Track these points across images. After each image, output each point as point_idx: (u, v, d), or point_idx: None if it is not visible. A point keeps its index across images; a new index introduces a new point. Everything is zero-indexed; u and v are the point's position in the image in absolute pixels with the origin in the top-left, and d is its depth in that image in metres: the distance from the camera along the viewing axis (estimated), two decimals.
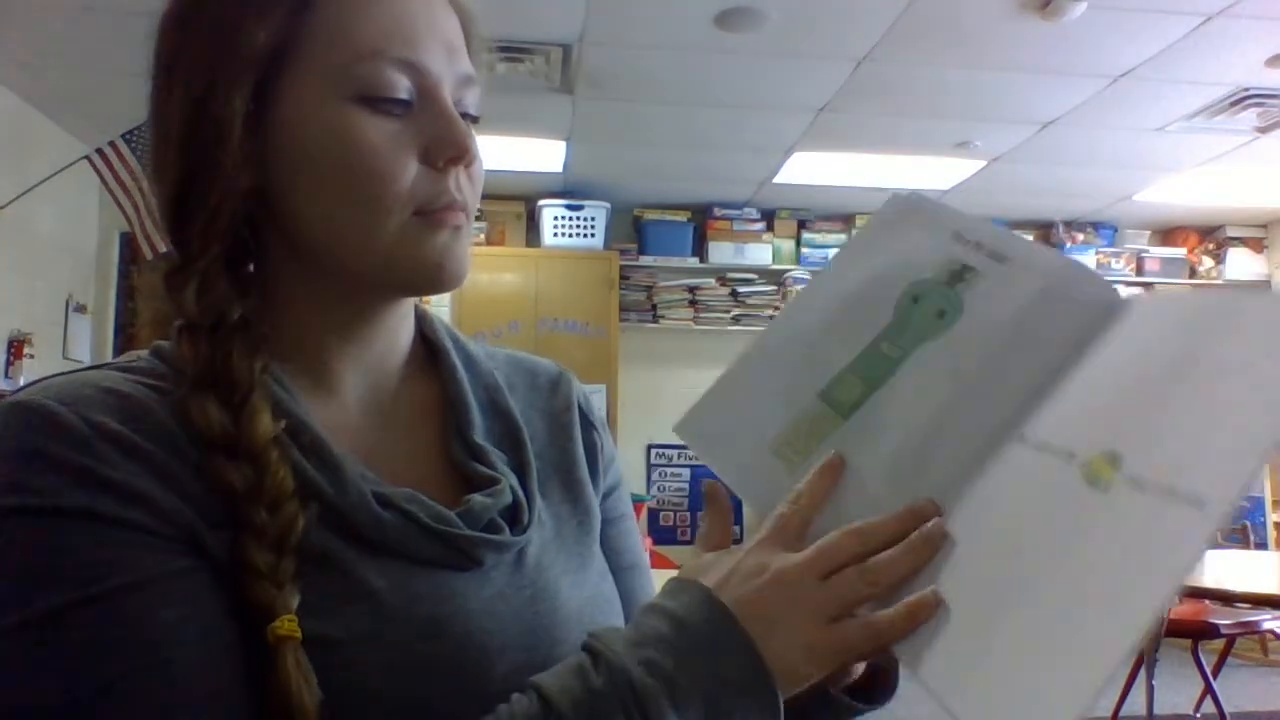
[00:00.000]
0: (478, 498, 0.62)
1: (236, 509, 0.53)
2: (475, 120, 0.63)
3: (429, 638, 0.56)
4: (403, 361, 0.68)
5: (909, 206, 0.64)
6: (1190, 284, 5.76)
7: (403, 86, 0.58)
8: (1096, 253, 5.71)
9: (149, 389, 0.56)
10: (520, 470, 0.67)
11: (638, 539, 0.77)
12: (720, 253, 5.47)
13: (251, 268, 0.62)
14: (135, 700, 0.48)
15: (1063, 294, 0.56)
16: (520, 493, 0.65)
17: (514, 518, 0.64)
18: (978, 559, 0.51)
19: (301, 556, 0.54)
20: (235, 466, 0.54)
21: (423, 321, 0.72)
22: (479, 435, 0.67)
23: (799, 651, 0.51)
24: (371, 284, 0.62)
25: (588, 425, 0.76)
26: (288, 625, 0.51)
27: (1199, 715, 3.68)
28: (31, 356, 4.04)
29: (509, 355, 0.77)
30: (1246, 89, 3.72)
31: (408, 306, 0.68)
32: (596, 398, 5.59)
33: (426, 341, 0.71)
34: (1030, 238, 5.67)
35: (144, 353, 0.61)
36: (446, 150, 0.59)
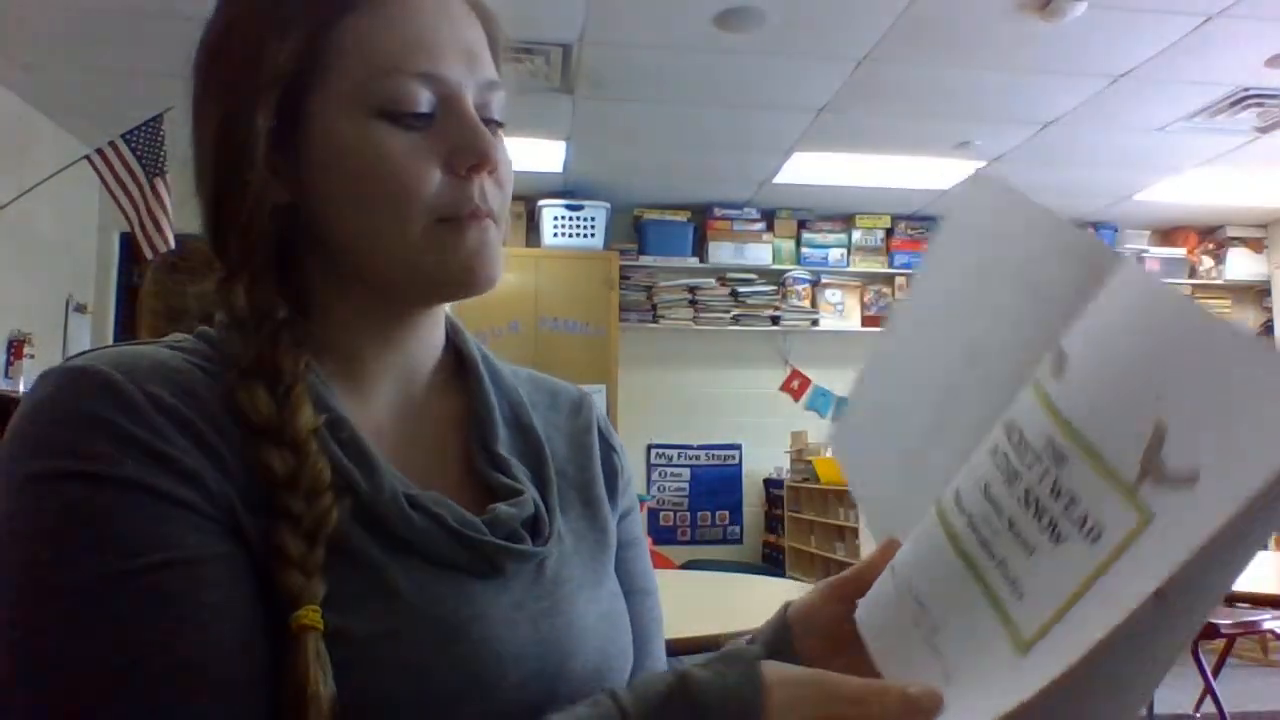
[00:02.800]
0: (502, 507, 0.63)
1: (274, 495, 0.54)
2: (501, 125, 0.64)
3: (446, 641, 0.56)
4: (433, 370, 0.70)
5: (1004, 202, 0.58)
6: (1190, 284, 5.76)
7: (423, 99, 0.59)
8: None
9: (197, 367, 0.57)
10: (541, 484, 0.68)
11: (649, 563, 0.78)
12: (720, 253, 5.48)
13: (292, 276, 0.64)
14: (165, 677, 0.48)
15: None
16: (541, 505, 0.66)
17: (535, 529, 0.65)
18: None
19: (330, 548, 0.55)
20: (278, 453, 0.55)
21: (454, 333, 0.73)
22: (503, 448, 0.68)
23: None
24: (405, 290, 0.63)
25: (608, 448, 0.77)
26: (311, 615, 0.52)
27: (1199, 715, 3.68)
28: (31, 356, 4.04)
29: (531, 375, 0.78)
30: (1246, 89, 3.72)
31: (439, 315, 0.70)
32: (596, 397, 5.61)
33: (456, 353, 0.73)
34: None
35: (188, 336, 0.62)
36: (468, 158, 0.60)
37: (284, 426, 0.56)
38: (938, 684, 0.47)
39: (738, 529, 5.63)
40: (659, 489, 5.58)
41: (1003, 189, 0.59)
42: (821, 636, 0.62)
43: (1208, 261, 5.87)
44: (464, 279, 0.62)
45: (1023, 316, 0.54)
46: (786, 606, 0.65)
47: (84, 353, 0.56)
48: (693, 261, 5.47)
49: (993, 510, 0.48)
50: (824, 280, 5.63)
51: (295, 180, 0.61)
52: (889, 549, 0.58)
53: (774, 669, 0.52)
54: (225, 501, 0.53)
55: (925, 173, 4.82)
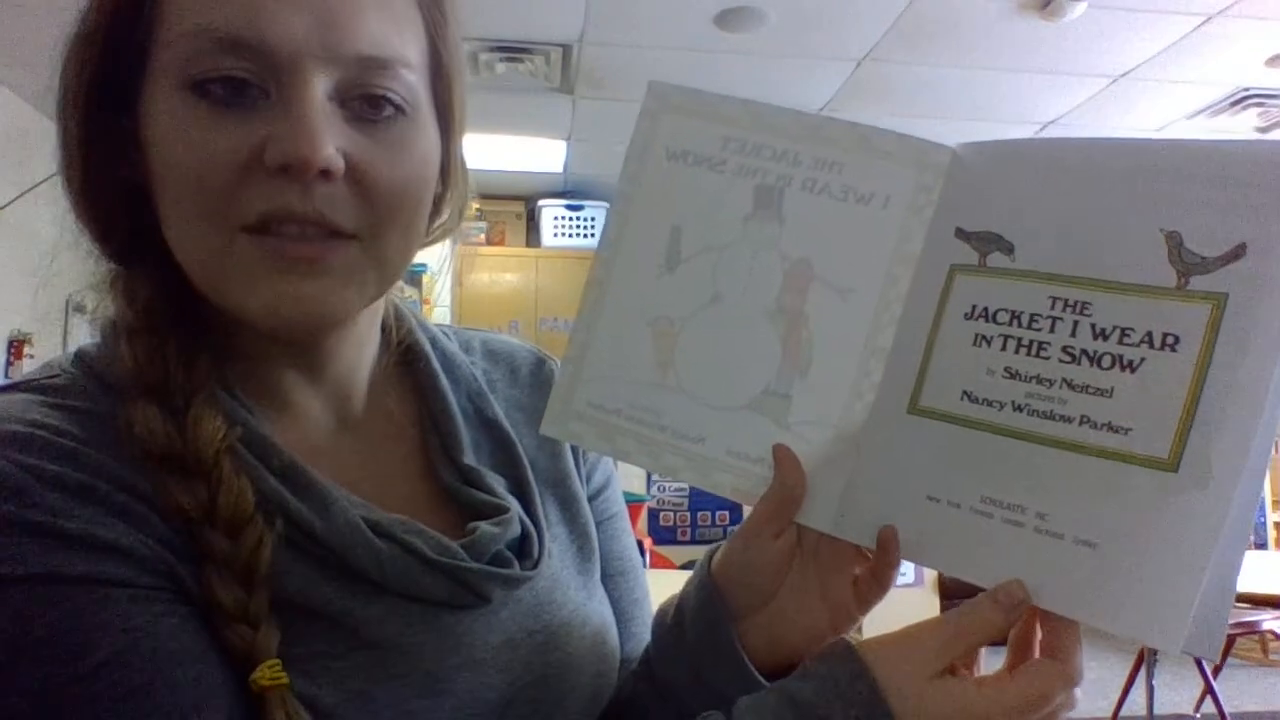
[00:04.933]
0: (485, 526, 0.55)
1: (194, 536, 0.46)
2: (400, 110, 0.50)
3: (429, 695, 0.50)
4: (371, 370, 0.60)
5: (669, 107, 0.59)
6: None
7: (236, 68, 0.46)
8: None
9: (71, 410, 0.48)
10: (521, 492, 0.60)
11: (629, 539, 0.71)
12: None
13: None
14: None
15: (892, 175, 0.53)
16: (528, 522, 0.58)
17: (522, 549, 0.57)
18: None
19: (287, 603, 0.47)
20: (184, 485, 0.46)
21: (396, 318, 0.63)
22: (470, 456, 0.59)
23: None
24: (233, 315, 0.50)
25: None
26: (270, 673, 0.44)
27: (1199, 715, 3.69)
28: (31, 357, 4.04)
29: (484, 343, 0.69)
30: (1246, 89, 3.72)
31: (375, 307, 0.58)
32: None
33: (398, 341, 0.62)
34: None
35: (65, 361, 0.53)
36: (278, 155, 0.46)
37: (185, 449, 0.46)
38: (1079, 561, 0.46)
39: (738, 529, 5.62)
40: (659, 489, 5.58)
41: (684, 93, 0.59)
42: (754, 583, 0.55)
43: None
44: (267, 320, 0.49)
45: (765, 232, 0.54)
46: (707, 568, 0.57)
47: None
48: None
49: (1036, 384, 0.48)
50: None
51: (140, 160, 0.51)
52: (793, 469, 0.52)
53: (867, 644, 0.47)
54: (158, 563, 0.45)
55: None
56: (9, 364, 3.99)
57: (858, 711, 0.45)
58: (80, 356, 0.52)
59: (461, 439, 0.59)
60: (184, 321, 0.51)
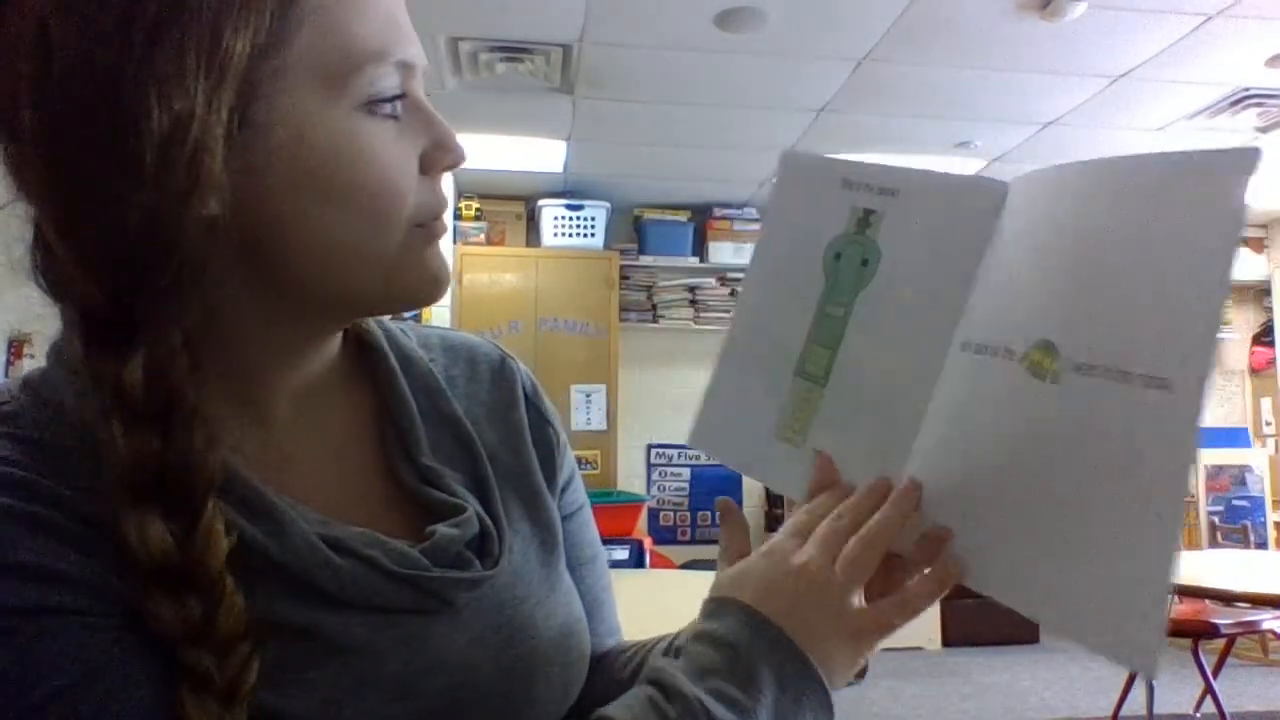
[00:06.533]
0: (443, 529, 0.56)
1: (173, 651, 0.44)
2: None
3: (399, 699, 0.51)
4: (330, 367, 0.60)
5: (798, 168, 0.68)
6: None
7: (399, 88, 0.51)
8: None
9: (24, 442, 0.47)
10: (480, 489, 0.61)
11: (593, 529, 0.73)
12: (720, 252, 5.47)
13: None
14: None
15: (956, 205, 0.59)
16: (487, 519, 0.59)
17: (482, 548, 0.59)
18: (983, 477, 0.53)
19: (251, 621, 0.46)
20: (176, 600, 0.44)
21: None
22: (428, 455, 0.60)
23: (844, 643, 0.52)
24: (368, 302, 0.55)
25: (540, 419, 0.69)
26: None
27: (1199, 715, 3.68)
28: (31, 356, 4.04)
29: (443, 339, 0.70)
30: (1246, 89, 3.72)
31: None
32: (596, 397, 5.51)
33: (356, 340, 0.63)
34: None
35: (13, 387, 0.51)
36: (445, 158, 0.54)
37: (191, 567, 0.44)
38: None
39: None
40: (659, 489, 5.58)
41: (810, 163, 0.66)
42: None
43: None
44: (432, 290, 0.55)
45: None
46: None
47: None
48: (693, 261, 5.47)
49: None
50: None
51: (233, 194, 0.48)
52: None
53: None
54: (112, 591, 0.44)
55: None
56: (9, 364, 3.99)
57: (726, 621, 0.52)
58: (28, 383, 0.51)
59: (419, 437, 0.60)
60: (201, 403, 0.47)
